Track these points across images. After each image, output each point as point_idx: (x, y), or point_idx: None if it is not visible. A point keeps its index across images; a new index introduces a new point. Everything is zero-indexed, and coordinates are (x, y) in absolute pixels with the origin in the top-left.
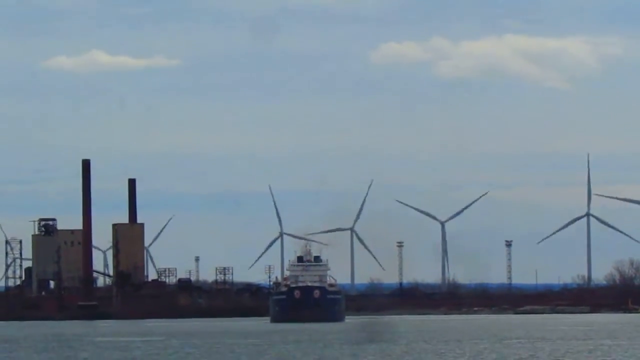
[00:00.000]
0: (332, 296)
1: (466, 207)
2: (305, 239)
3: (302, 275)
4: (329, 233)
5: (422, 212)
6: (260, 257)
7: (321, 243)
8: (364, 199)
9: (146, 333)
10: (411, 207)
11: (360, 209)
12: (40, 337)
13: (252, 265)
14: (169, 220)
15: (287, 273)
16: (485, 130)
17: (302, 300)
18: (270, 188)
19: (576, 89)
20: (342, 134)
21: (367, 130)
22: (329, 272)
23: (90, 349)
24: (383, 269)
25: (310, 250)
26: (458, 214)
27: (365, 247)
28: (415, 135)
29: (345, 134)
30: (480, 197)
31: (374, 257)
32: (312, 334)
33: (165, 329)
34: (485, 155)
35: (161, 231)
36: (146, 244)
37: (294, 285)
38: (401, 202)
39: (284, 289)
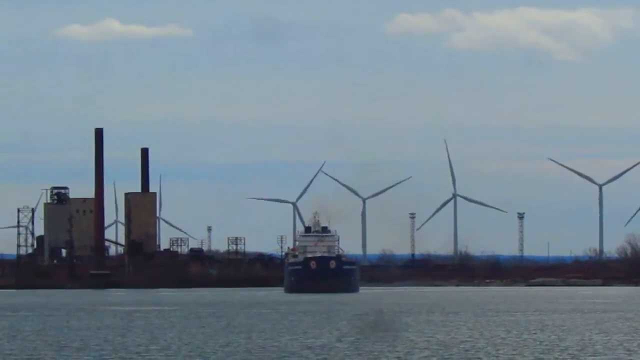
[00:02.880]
0: (347, 267)
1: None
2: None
3: (311, 246)
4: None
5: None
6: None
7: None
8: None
9: (157, 302)
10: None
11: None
12: (50, 306)
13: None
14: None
15: (295, 243)
16: (498, 103)
17: (318, 270)
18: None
19: (589, 62)
20: (355, 105)
21: (381, 102)
22: (337, 242)
23: (100, 317)
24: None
25: (318, 220)
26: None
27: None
28: (428, 106)
29: (359, 105)
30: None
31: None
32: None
33: (176, 299)
34: (498, 127)
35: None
36: (158, 213)
37: (306, 256)
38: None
39: (292, 259)
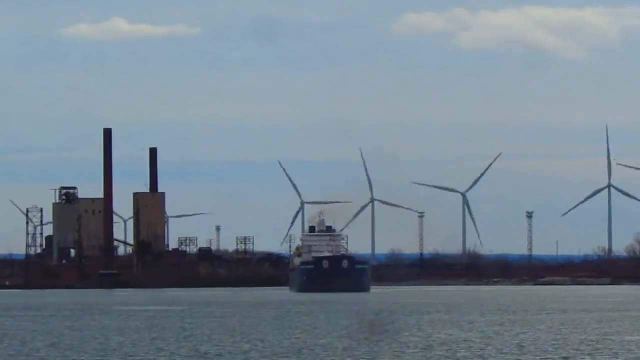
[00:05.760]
0: (360, 266)
1: (484, 173)
2: (327, 203)
3: (316, 246)
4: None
5: (441, 188)
6: (289, 231)
7: (346, 202)
8: (365, 168)
9: (167, 302)
10: (429, 185)
11: (369, 179)
12: (60, 306)
13: (284, 240)
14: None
15: (300, 243)
16: (506, 101)
17: (331, 270)
18: (280, 163)
19: (596, 60)
20: (362, 104)
21: (388, 101)
22: (344, 242)
23: (111, 317)
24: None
25: (323, 220)
26: (477, 181)
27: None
28: (435, 105)
29: (365, 105)
30: (495, 159)
31: (403, 207)
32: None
33: (186, 299)
34: (506, 126)
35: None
36: (167, 213)
37: (313, 255)
38: (419, 184)
39: (298, 259)
